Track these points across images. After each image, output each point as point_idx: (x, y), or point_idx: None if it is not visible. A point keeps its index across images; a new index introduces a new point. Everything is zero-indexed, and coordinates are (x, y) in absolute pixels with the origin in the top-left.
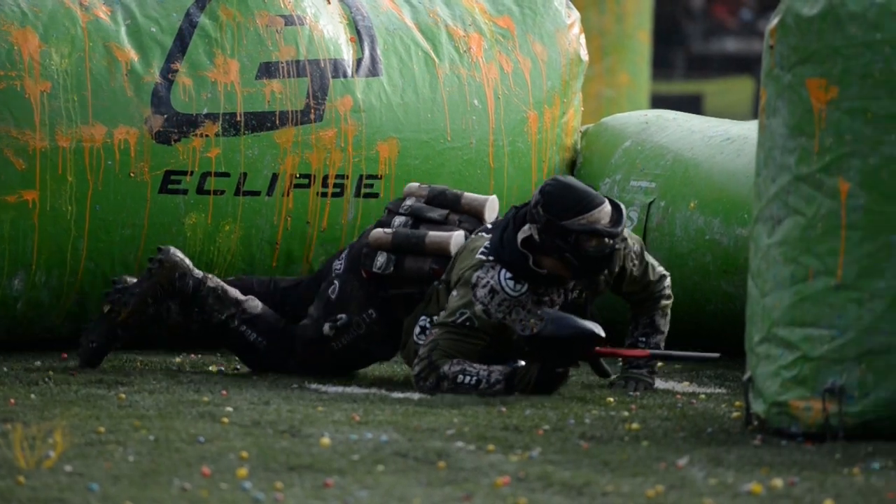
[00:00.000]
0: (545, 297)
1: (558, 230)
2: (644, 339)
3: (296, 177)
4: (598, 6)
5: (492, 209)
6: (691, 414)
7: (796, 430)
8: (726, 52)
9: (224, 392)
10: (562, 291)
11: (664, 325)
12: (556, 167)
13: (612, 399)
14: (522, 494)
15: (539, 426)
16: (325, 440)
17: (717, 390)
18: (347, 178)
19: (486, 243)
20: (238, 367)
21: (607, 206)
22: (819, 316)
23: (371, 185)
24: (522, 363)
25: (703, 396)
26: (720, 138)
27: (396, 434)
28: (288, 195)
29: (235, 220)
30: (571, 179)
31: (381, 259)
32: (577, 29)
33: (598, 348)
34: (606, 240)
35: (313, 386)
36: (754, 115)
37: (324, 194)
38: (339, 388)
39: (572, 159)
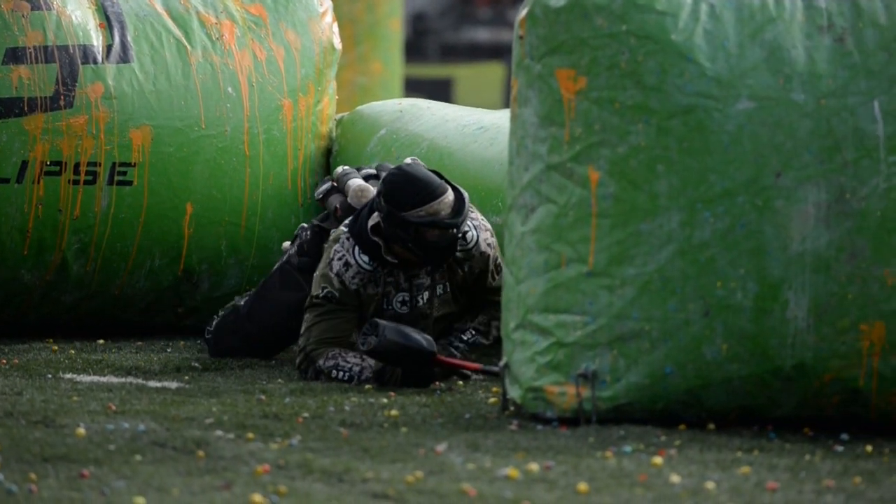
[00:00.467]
0: (390, 277)
1: (399, 221)
2: (474, 332)
3: (46, 164)
4: None
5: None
6: (449, 400)
7: (551, 415)
8: (477, 40)
9: None
10: (407, 277)
11: (493, 336)
12: (311, 155)
13: (370, 386)
14: (282, 482)
15: (299, 414)
16: (81, 430)
17: (475, 376)
18: (100, 165)
19: (350, 219)
20: None
21: (448, 197)
22: (572, 302)
23: (124, 173)
24: None
25: (460, 383)
26: (474, 127)
27: (154, 423)
28: (38, 182)
29: None
30: (415, 168)
31: (323, 186)
32: (329, 17)
33: (438, 357)
34: (448, 230)
35: (68, 376)
36: (505, 101)
37: (76, 182)
38: (95, 378)
39: (328, 147)
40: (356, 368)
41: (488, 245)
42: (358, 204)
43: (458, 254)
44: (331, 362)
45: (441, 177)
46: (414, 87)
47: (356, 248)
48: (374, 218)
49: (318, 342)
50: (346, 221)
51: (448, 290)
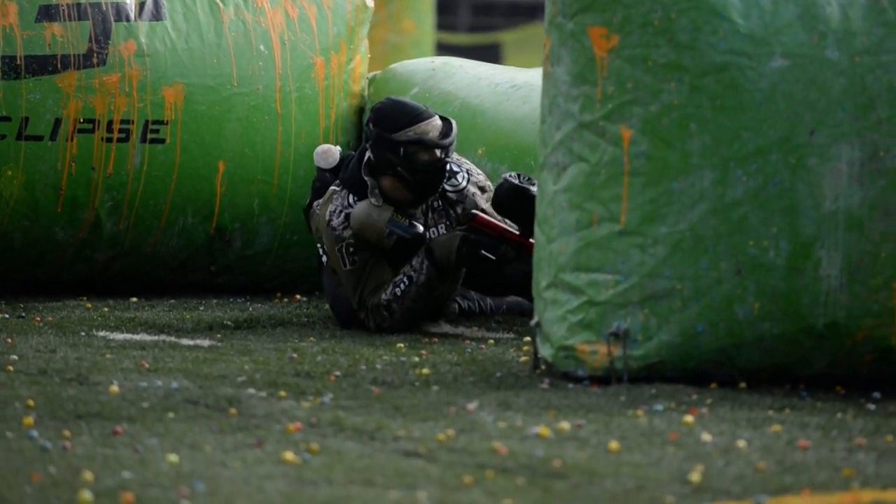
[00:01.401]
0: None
1: (388, 144)
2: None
3: (80, 122)
4: None
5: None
6: (480, 359)
7: (583, 374)
8: None
9: (9, 340)
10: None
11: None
12: (343, 113)
13: (402, 345)
14: (314, 440)
15: (330, 372)
16: (114, 388)
17: (506, 335)
18: (133, 123)
19: (340, 175)
20: (23, 314)
21: (437, 121)
22: (604, 261)
23: (157, 131)
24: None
25: (491, 341)
26: (506, 85)
27: (187, 381)
28: (72, 140)
29: (18, 166)
30: (402, 98)
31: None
32: None
33: (478, 216)
34: (437, 152)
35: (101, 333)
36: None
37: (109, 139)
38: (128, 336)
39: (360, 106)
40: (408, 271)
41: (479, 188)
42: (324, 164)
43: (450, 195)
44: (388, 289)
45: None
46: (455, 53)
47: (350, 196)
48: (366, 155)
49: (371, 291)
50: (336, 181)
51: (446, 231)
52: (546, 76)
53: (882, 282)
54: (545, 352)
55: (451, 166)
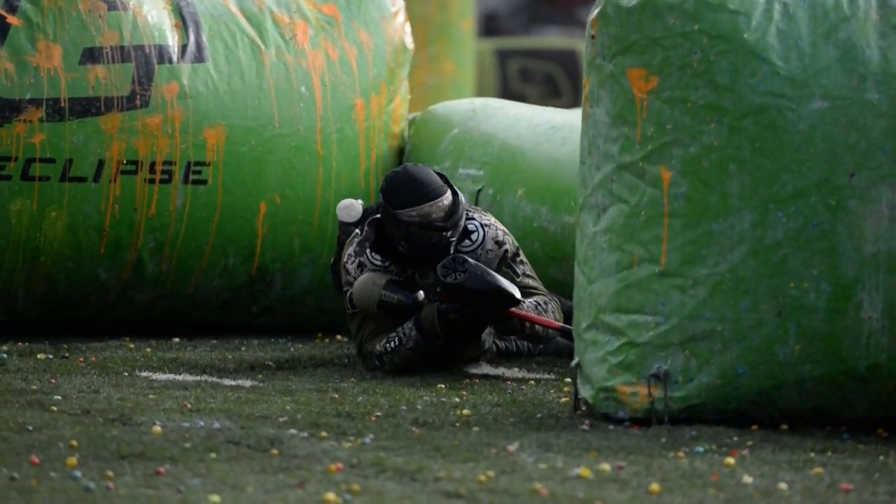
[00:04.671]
0: (402, 276)
1: (392, 218)
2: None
3: (123, 163)
4: None
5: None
6: (521, 399)
7: (623, 415)
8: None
9: (52, 380)
10: (420, 275)
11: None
12: (384, 154)
13: (443, 385)
14: (355, 481)
15: (371, 412)
16: (157, 428)
17: (546, 376)
18: (175, 164)
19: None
20: (67, 355)
21: (444, 201)
22: (644, 303)
23: (199, 172)
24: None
25: (532, 382)
26: (545, 126)
27: (229, 422)
28: (115, 181)
29: (61, 207)
30: (418, 169)
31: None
32: (401, 17)
33: (512, 310)
34: (438, 232)
35: (144, 374)
36: None
37: (151, 181)
38: (170, 376)
39: (400, 147)
40: (400, 332)
41: (496, 242)
42: (348, 217)
43: (466, 252)
44: (382, 341)
45: (445, 180)
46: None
47: (368, 249)
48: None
49: (368, 336)
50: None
51: None
52: (585, 117)
53: None
54: (586, 393)
55: (466, 225)
